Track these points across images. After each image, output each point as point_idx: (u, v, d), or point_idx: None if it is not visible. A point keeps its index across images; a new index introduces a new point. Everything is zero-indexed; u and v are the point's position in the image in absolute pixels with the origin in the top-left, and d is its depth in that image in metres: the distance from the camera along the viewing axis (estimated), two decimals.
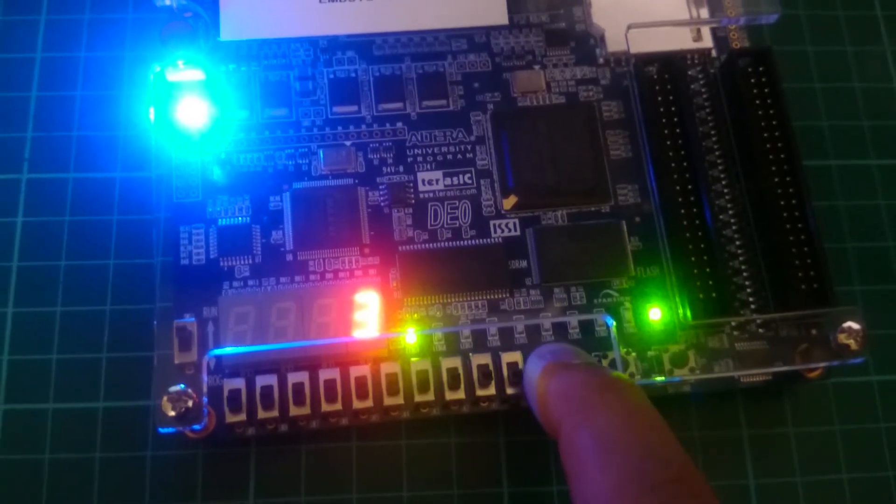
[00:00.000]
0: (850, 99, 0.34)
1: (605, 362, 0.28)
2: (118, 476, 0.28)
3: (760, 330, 0.29)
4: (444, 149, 0.30)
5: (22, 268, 0.30)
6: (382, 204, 0.29)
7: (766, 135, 0.29)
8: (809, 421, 0.30)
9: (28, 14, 0.33)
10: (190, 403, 0.25)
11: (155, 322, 0.27)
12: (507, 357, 0.27)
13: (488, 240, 0.29)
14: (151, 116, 0.30)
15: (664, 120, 0.30)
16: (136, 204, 0.31)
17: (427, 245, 0.29)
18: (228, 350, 0.27)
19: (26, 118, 0.32)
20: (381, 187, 0.30)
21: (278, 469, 0.28)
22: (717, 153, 0.30)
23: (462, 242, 0.29)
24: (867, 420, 0.30)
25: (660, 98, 0.30)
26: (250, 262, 0.28)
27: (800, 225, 0.28)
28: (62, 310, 0.30)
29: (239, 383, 0.27)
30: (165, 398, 0.25)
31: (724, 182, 0.29)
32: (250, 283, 0.28)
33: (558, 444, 0.23)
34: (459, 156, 0.30)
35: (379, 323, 0.27)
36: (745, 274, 0.29)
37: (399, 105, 0.31)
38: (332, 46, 0.31)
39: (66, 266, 0.30)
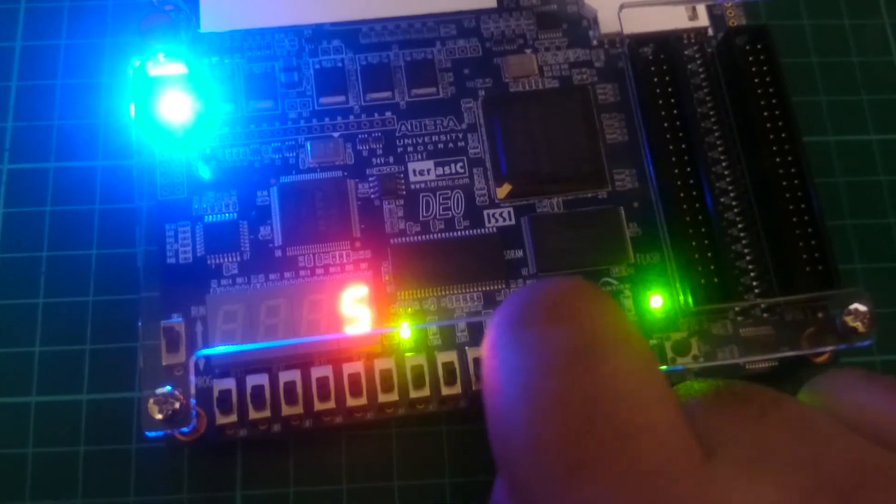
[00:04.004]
0: (848, 73, 0.34)
1: None
2: (103, 469, 0.28)
3: (765, 315, 0.28)
4: (435, 138, 0.30)
5: (3, 259, 0.30)
6: (373, 196, 0.29)
7: (765, 114, 0.29)
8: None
9: (7, 2, 0.33)
10: (177, 405, 0.24)
11: (140, 321, 0.27)
12: None
13: (482, 230, 0.29)
14: (132, 113, 0.29)
15: (661, 101, 0.29)
16: (119, 193, 0.30)
17: (420, 237, 0.28)
18: (217, 350, 0.26)
19: (6, 108, 0.31)
20: (370, 179, 0.29)
21: (266, 459, 0.28)
22: (716, 134, 0.29)
23: (455, 233, 0.28)
24: None
25: (656, 79, 0.29)
26: (238, 258, 0.28)
27: (802, 205, 0.28)
28: (44, 301, 0.29)
29: (229, 383, 0.26)
30: (152, 400, 0.24)
31: (724, 164, 0.29)
32: (239, 280, 0.27)
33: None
34: (451, 144, 0.30)
35: (372, 318, 0.27)
36: (747, 258, 0.28)
37: (387, 94, 0.30)
38: (317, 36, 0.31)
39: (47, 257, 0.30)
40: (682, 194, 0.28)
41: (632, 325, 0.20)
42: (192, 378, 0.25)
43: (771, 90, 0.29)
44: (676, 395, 0.20)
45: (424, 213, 0.29)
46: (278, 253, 0.28)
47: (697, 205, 0.28)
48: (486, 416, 0.20)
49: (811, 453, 0.18)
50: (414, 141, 0.30)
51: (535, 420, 0.18)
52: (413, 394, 0.26)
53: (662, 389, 0.19)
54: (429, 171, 0.29)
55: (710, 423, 0.20)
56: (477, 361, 0.26)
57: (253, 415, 0.26)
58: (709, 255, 0.27)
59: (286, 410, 0.26)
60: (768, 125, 0.29)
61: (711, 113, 0.29)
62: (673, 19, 0.31)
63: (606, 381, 0.18)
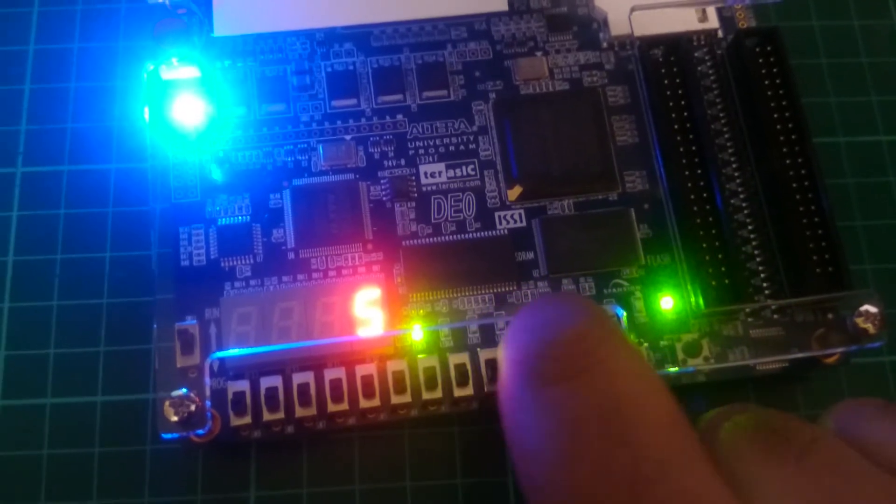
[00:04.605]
0: (858, 74, 0.34)
1: None
2: (118, 471, 0.28)
3: (775, 316, 0.28)
4: (446, 140, 0.30)
5: (18, 262, 0.30)
6: (384, 198, 0.29)
7: (775, 115, 0.29)
8: (821, 404, 0.29)
9: (20, 6, 0.33)
10: (193, 408, 0.24)
11: (154, 323, 0.27)
12: None
13: (494, 232, 0.29)
14: (146, 116, 0.29)
15: (671, 103, 0.29)
16: (132, 195, 0.31)
17: (431, 239, 0.28)
18: (231, 352, 0.26)
19: (20, 111, 0.32)
20: (382, 181, 0.29)
21: (280, 461, 0.28)
22: (726, 136, 0.29)
23: (467, 235, 0.29)
24: None
25: (666, 81, 0.29)
26: (252, 261, 0.28)
27: (813, 206, 0.28)
28: (59, 304, 0.29)
29: (243, 385, 0.26)
30: (168, 403, 0.25)
31: (734, 165, 0.29)
32: (252, 283, 0.28)
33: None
34: (462, 147, 0.30)
35: (384, 320, 0.27)
36: (758, 259, 0.28)
37: (399, 97, 0.30)
38: (329, 39, 0.31)
39: (62, 259, 0.30)
40: (692, 196, 0.28)
41: (650, 368, 0.21)
42: (207, 380, 0.26)
43: (781, 91, 0.29)
44: (701, 444, 0.20)
45: (436, 216, 0.29)
46: (291, 255, 0.28)
47: (708, 206, 0.28)
48: (518, 472, 0.20)
49: (851, 500, 0.18)
50: (425, 143, 0.30)
51: (578, 492, 0.19)
52: (425, 395, 0.26)
53: (692, 443, 0.19)
54: (440, 173, 0.29)
55: (748, 464, 0.20)
56: (489, 363, 0.26)
57: (267, 416, 0.26)
58: (719, 256, 0.27)
59: (300, 412, 0.26)
60: (778, 126, 0.29)
61: (721, 115, 0.29)
62: (683, 21, 0.31)
63: (643, 449, 0.19)
